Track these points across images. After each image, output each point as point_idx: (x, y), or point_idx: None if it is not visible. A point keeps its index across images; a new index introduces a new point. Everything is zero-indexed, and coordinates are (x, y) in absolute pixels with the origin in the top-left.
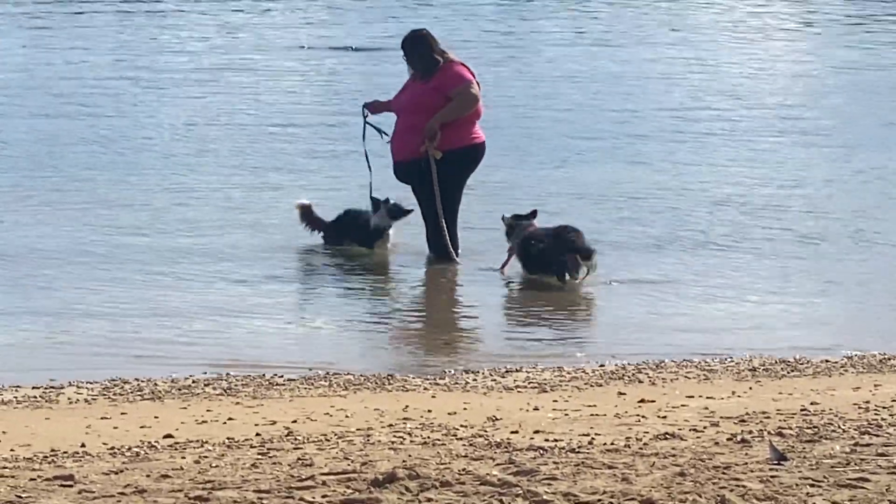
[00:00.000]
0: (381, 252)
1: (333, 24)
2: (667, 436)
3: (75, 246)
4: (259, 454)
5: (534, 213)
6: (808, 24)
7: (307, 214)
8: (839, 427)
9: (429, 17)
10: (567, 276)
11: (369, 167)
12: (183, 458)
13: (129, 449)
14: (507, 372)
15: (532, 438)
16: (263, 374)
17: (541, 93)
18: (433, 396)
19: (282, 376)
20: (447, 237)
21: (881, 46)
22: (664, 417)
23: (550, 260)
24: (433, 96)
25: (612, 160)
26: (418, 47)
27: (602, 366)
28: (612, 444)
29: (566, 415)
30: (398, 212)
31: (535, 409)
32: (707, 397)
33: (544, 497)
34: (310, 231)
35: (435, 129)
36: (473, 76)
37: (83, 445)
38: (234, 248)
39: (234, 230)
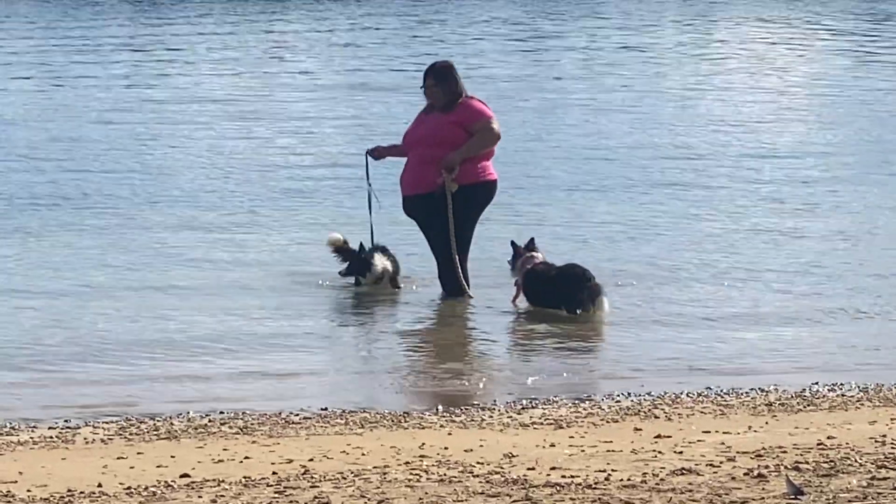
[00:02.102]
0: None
1: (354, 62)
2: (683, 471)
3: (87, 284)
4: (276, 493)
5: (531, 242)
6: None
7: (341, 249)
8: (856, 461)
9: (440, 50)
10: (579, 311)
11: (370, 208)
12: (200, 497)
13: (146, 489)
14: (522, 408)
15: (549, 475)
16: (279, 413)
17: (549, 125)
18: (449, 433)
19: (298, 414)
20: (460, 272)
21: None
22: (680, 453)
23: (562, 292)
24: (453, 130)
25: (621, 193)
26: (448, 77)
27: (618, 401)
28: (628, 479)
29: (582, 451)
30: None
31: (552, 445)
32: (723, 432)
33: None
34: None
35: (454, 162)
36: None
37: (100, 486)
38: (244, 286)
39: (245, 267)
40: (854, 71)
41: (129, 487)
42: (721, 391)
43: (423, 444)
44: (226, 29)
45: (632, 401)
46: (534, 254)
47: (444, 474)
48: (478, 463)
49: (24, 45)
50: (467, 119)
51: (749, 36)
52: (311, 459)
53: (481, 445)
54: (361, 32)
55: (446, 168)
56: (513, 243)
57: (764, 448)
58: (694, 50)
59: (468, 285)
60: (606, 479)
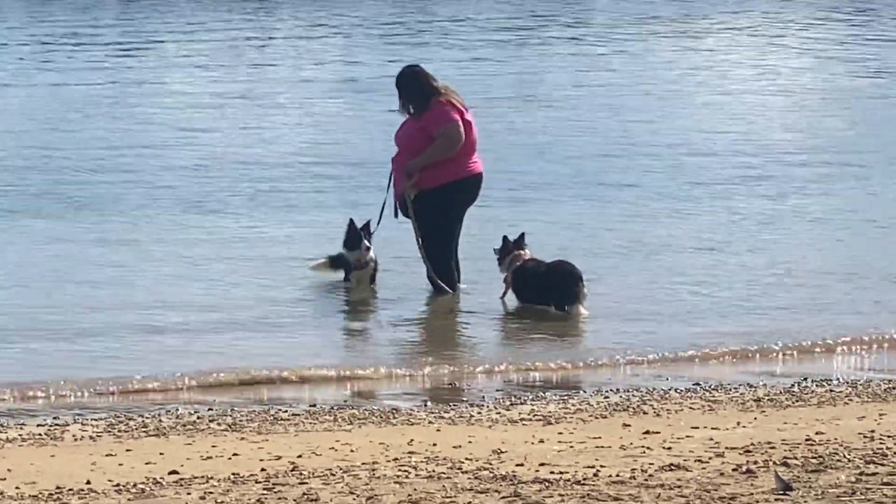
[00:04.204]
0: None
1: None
2: (672, 467)
3: (74, 281)
4: (264, 489)
5: (521, 237)
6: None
7: (328, 266)
8: (844, 457)
9: (438, 55)
10: (568, 307)
11: (381, 215)
12: (188, 494)
13: (135, 486)
14: (511, 405)
15: (537, 471)
16: (268, 409)
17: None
18: (438, 430)
19: (286, 411)
20: (433, 271)
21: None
22: (669, 448)
23: (551, 290)
24: (419, 136)
25: (603, 195)
26: (410, 85)
27: (606, 397)
28: (617, 475)
29: (571, 447)
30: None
31: (541, 441)
32: (712, 428)
33: None
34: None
35: (413, 169)
36: (464, 112)
37: (88, 482)
38: (232, 283)
39: (232, 263)
40: (836, 68)
41: (117, 484)
42: (709, 386)
43: (412, 440)
44: (214, 25)
45: (620, 397)
46: (520, 252)
47: (433, 471)
48: (466, 459)
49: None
50: (431, 125)
51: (735, 34)
52: (300, 456)
53: (470, 442)
54: (354, 29)
55: (406, 174)
56: (504, 238)
57: (752, 444)
58: (679, 48)
59: (459, 281)
60: (595, 474)
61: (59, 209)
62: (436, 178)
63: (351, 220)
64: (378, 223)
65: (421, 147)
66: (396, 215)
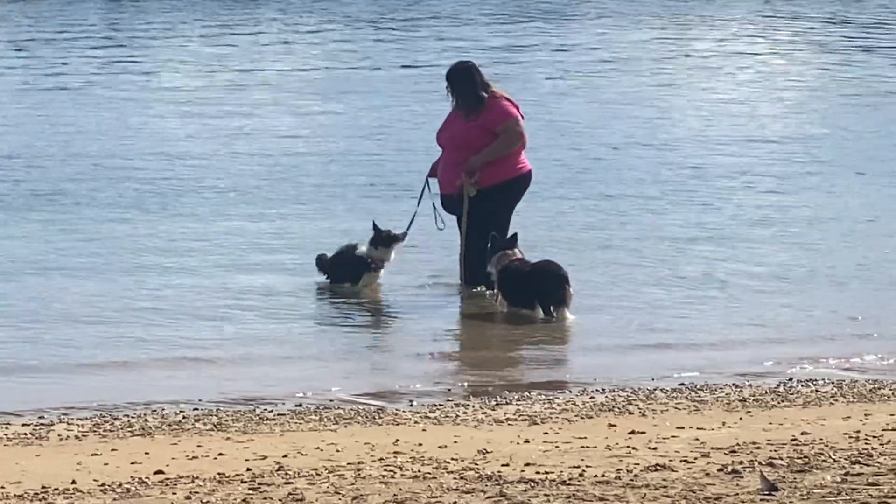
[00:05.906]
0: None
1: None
2: (657, 467)
3: (63, 280)
4: (250, 489)
5: (514, 238)
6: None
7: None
8: (830, 457)
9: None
10: (553, 310)
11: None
12: (174, 493)
13: (120, 485)
14: (496, 405)
15: (523, 471)
16: (254, 409)
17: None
18: (424, 430)
19: (272, 411)
20: (473, 269)
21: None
22: (655, 449)
23: (536, 291)
24: (478, 133)
25: (593, 195)
26: (464, 81)
27: (592, 397)
28: (602, 475)
29: (557, 447)
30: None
31: (526, 441)
32: (697, 428)
33: None
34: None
35: (475, 167)
36: (518, 109)
37: (74, 482)
38: (222, 282)
39: (221, 262)
40: (822, 65)
41: (102, 484)
42: (695, 387)
43: (398, 440)
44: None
45: (606, 397)
46: (507, 251)
47: (419, 471)
48: (452, 459)
49: None
50: (492, 121)
51: (724, 34)
52: (286, 456)
53: (455, 442)
54: (348, 28)
55: (467, 172)
56: (493, 236)
57: (738, 444)
58: (672, 48)
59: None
60: (580, 475)
61: (44, 205)
62: (496, 175)
63: (374, 223)
64: (407, 229)
65: (480, 144)
66: (437, 223)
